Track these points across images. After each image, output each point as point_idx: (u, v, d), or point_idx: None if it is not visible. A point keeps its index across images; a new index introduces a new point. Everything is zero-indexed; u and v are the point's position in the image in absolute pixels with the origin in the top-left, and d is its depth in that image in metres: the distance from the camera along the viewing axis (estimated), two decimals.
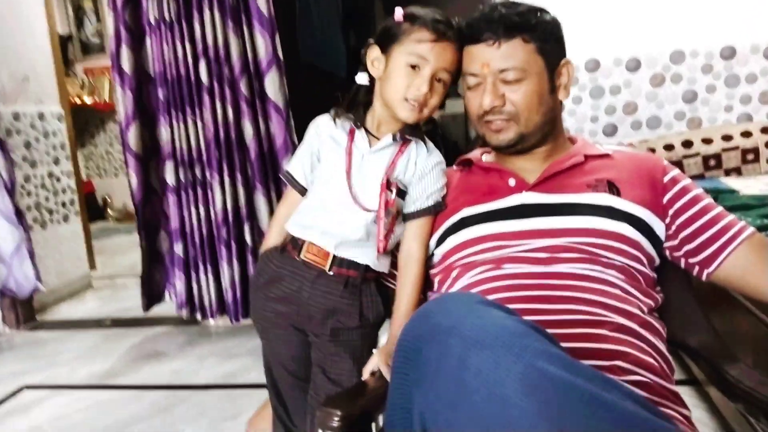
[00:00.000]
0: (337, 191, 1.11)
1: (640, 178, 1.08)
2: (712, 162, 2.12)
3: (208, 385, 2.12)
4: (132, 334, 2.70)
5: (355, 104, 1.14)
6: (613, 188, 1.06)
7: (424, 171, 1.12)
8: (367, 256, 1.12)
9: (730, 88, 2.37)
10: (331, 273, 1.12)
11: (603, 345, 0.89)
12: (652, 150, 2.17)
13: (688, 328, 1.06)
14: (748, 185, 1.91)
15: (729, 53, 2.34)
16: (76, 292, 3.42)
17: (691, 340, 1.05)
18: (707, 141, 2.14)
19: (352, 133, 1.13)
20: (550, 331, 0.88)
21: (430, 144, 1.15)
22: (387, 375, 1.00)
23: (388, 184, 1.09)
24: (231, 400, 2.00)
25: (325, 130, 1.16)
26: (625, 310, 0.94)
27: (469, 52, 1.07)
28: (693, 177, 2.12)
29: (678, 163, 2.13)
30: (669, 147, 2.17)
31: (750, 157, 2.10)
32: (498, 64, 1.04)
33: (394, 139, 1.11)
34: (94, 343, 2.65)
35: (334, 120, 1.16)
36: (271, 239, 1.23)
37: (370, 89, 1.14)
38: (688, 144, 2.15)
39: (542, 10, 1.08)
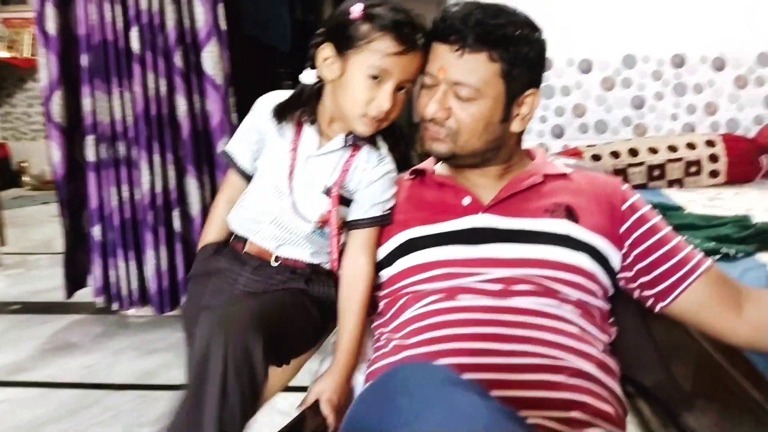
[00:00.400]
0: (276, 194, 1.00)
1: (599, 204, 1.02)
2: (656, 172, 2.12)
3: (123, 385, 1.97)
4: (42, 322, 2.49)
5: (301, 104, 1.00)
6: (571, 214, 1.00)
7: (373, 178, 1.01)
8: (313, 258, 1.03)
9: (677, 96, 2.37)
10: (275, 264, 1.02)
11: (560, 394, 0.82)
12: (598, 157, 2.15)
13: (641, 365, 1.02)
14: (691, 199, 1.91)
15: (679, 61, 2.34)
16: None
17: (644, 378, 1.01)
18: (653, 150, 2.14)
19: (299, 126, 1.01)
20: (505, 376, 0.83)
21: (384, 149, 1.03)
22: (328, 415, 0.91)
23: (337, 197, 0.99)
24: (148, 402, 1.86)
25: (266, 109, 1.02)
26: (582, 351, 0.89)
27: (434, 49, 0.96)
28: (637, 186, 2.11)
29: (623, 171, 2.12)
30: (615, 154, 2.15)
31: (693, 169, 2.11)
32: (454, 75, 0.94)
33: (346, 143, 0.99)
34: None
35: (280, 114, 1.01)
36: (210, 233, 1.09)
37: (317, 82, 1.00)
38: (634, 152, 2.14)
39: (530, 26, 0.97)
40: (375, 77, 0.91)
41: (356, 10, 0.92)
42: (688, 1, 2.29)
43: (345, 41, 0.92)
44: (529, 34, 0.96)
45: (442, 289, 0.94)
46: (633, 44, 2.35)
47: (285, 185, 1.00)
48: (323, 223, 1.00)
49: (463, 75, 0.94)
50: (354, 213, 1.02)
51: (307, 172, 1.00)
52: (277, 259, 1.02)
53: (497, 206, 1.00)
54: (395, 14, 0.91)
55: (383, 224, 1.03)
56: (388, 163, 1.03)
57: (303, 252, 1.02)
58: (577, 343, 0.89)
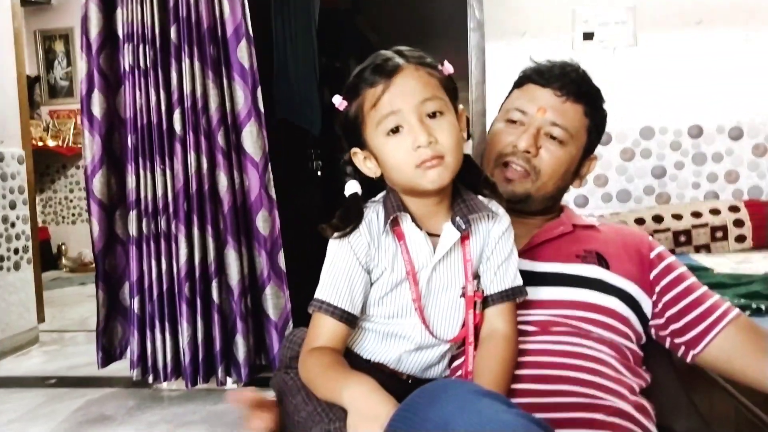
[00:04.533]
0: (409, 329, 0.88)
1: (628, 253, 1.06)
2: (683, 238, 2.14)
3: None
4: (78, 395, 2.52)
5: (353, 215, 0.86)
6: (602, 260, 1.04)
7: (492, 245, 0.91)
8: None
9: (697, 165, 2.43)
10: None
11: None
12: (624, 223, 2.19)
13: (674, 412, 1.03)
14: (719, 263, 1.92)
15: (696, 132, 2.41)
16: (21, 347, 3.19)
17: (677, 425, 1.01)
18: (677, 217, 2.17)
19: (399, 236, 0.86)
20: (544, 415, 0.85)
21: (491, 204, 0.90)
22: None
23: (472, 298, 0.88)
24: None
25: (362, 248, 0.86)
26: (619, 392, 0.90)
27: (529, 91, 1.06)
28: None
29: None
30: (640, 221, 2.19)
31: (719, 234, 2.13)
32: (554, 116, 1.03)
33: (460, 229, 0.86)
34: (36, 404, 2.45)
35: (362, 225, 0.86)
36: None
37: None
38: (658, 219, 2.18)
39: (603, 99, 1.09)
40: (393, 130, 0.82)
41: (338, 100, 0.88)
42: (703, 74, 2.39)
43: (356, 133, 0.87)
44: (605, 106, 1.09)
45: None
46: (649, 116, 2.43)
47: (415, 316, 0.87)
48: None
49: (562, 118, 1.03)
50: (487, 288, 0.92)
51: (434, 285, 0.88)
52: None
53: (530, 251, 1.05)
54: (360, 70, 0.86)
55: (516, 298, 0.92)
56: (504, 219, 0.91)
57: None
58: (613, 384, 0.90)
